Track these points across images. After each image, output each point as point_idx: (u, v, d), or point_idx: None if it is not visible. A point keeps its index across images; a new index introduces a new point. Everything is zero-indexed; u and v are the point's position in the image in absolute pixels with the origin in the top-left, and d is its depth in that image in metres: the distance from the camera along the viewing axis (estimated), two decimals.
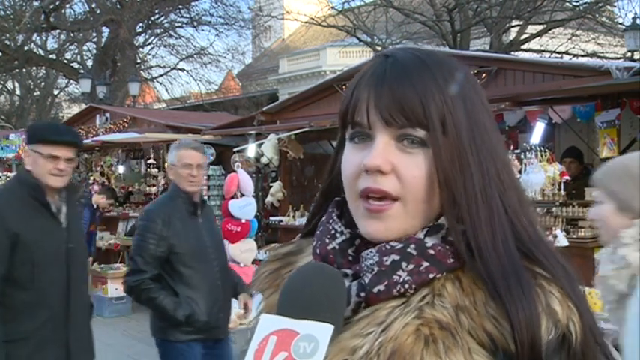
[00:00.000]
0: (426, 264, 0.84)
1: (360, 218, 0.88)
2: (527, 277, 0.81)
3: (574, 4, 16.15)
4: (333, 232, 0.92)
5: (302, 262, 0.97)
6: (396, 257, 0.84)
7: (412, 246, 0.85)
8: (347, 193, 0.90)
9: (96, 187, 11.28)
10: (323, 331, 0.74)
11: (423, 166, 0.84)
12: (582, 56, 16.02)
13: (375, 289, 0.84)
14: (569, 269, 0.86)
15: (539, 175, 5.84)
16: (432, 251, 0.84)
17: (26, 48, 20.88)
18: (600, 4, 15.64)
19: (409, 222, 0.86)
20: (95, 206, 9.27)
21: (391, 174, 0.85)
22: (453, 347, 0.78)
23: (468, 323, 0.80)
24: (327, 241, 0.92)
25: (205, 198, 9.11)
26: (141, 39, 22.55)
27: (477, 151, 0.85)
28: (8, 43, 20.15)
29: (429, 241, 0.85)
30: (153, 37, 22.89)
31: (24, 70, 24.65)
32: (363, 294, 0.84)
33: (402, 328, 0.80)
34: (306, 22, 19.68)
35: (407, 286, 0.83)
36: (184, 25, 22.29)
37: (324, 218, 0.95)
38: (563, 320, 0.79)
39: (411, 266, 0.84)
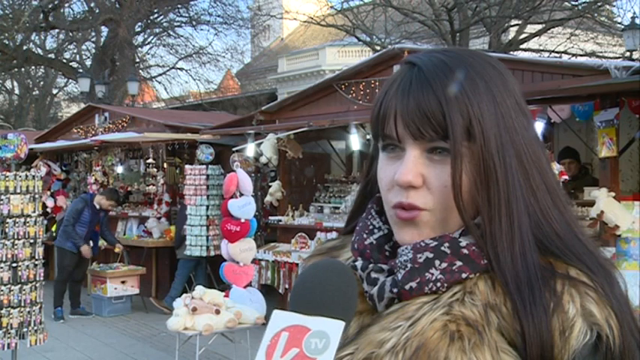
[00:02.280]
0: (459, 263, 0.84)
1: (394, 226, 0.90)
2: (545, 289, 0.80)
3: (573, 3, 16.14)
4: (371, 227, 0.94)
5: (344, 257, 1.00)
6: (430, 255, 0.85)
7: (446, 245, 0.85)
8: (383, 201, 0.92)
9: (94, 187, 11.28)
10: (334, 327, 0.75)
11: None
12: (581, 55, 16.01)
13: (407, 286, 0.85)
14: (611, 270, 0.84)
15: None
16: (465, 251, 0.84)
17: (25, 47, 20.83)
18: (599, 4, 15.64)
19: (443, 228, 0.87)
20: (98, 207, 9.27)
21: (422, 187, 0.86)
22: (479, 344, 0.78)
23: (498, 322, 0.80)
24: (365, 236, 0.94)
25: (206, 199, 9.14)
26: (140, 38, 22.54)
27: (505, 159, 0.84)
28: (7, 42, 20.11)
29: (464, 241, 0.85)
30: (152, 37, 22.87)
31: (23, 69, 24.62)
32: (395, 290, 0.86)
33: (429, 324, 0.80)
34: (305, 22, 19.65)
35: (439, 284, 0.84)
36: (183, 25, 22.29)
37: (363, 214, 0.97)
38: (602, 323, 0.78)
39: (444, 265, 0.84)
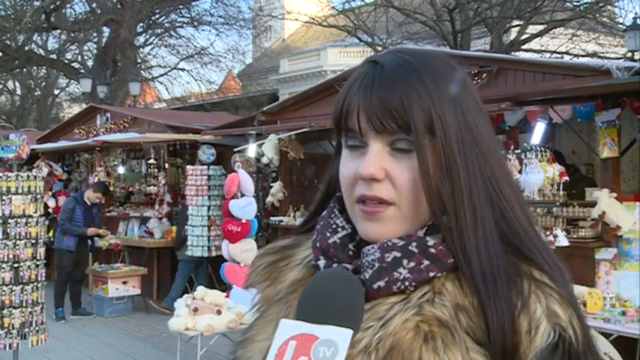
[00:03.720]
0: (426, 262, 0.84)
1: (357, 220, 0.90)
2: (512, 287, 0.81)
3: (575, 4, 16.14)
4: (334, 226, 0.93)
5: (300, 256, 0.98)
6: (398, 254, 0.85)
7: (414, 244, 0.86)
8: (344, 197, 0.92)
9: None
10: (342, 335, 0.74)
11: (416, 169, 0.86)
12: (583, 56, 16.01)
13: (375, 286, 0.85)
14: (565, 271, 0.87)
15: (538, 176, 5.83)
16: (433, 250, 0.85)
17: (27, 48, 20.87)
18: (601, 4, 15.62)
19: (407, 224, 0.88)
20: (89, 203, 9.27)
21: (385, 180, 0.87)
22: (451, 345, 0.78)
23: (466, 322, 0.80)
24: (328, 235, 0.93)
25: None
26: (141, 39, 22.56)
27: (465, 153, 0.86)
28: (9, 43, 20.14)
29: (431, 240, 0.86)
30: (153, 37, 22.89)
31: (24, 70, 24.63)
32: (362, 290, 0.85)
33: (401, 324, 0.81)
34: (306, 22, 19.66)
35: (407, 283, 0.84)
36: (185, 25, 22.30)
37: (324, 213, 0.97)
38: (566, 324, 0.80)
39: (411, 264, 0.84)
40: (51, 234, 10.31)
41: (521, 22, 15.95)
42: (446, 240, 0.85)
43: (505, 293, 0.80)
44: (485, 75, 7.08)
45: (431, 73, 0.88)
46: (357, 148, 0.89)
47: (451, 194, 0.85)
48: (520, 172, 5.92)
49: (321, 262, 0.91)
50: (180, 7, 21.19)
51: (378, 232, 0.88)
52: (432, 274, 0.84)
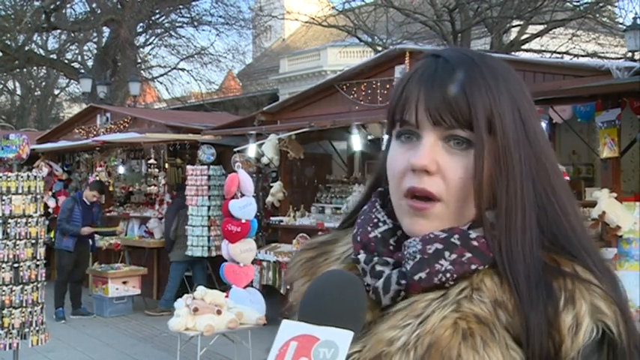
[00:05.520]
0: (468, 255, 0.84)
1: (403, 215, 0.90)
2: (554, 285, 0.80)
3: (575, 4, 16.13)
4: (375, 220, 0.94)
5: (338, 251, 0.99)
6: (440, 246, 0.85)
7: (456, 236, 0.85)
8: (392, 191, 0.92)
9: None
10: (343, 337, 0.75)
11: (469, 167, 0.85)
12: (583, 56, 16.00)
13: (417, 277, 0.85)
14: (614, 272, 0.87)
15: None
16: (475, 243, 0.85)
17: (27, 48, 20.86)
18: (601, 4, 15.62)
19: (452, 222, 0.87)
20: (88, 203, 9.26)
21: (436, 174, 0.86)
22: (490, 342, 0.78)
23: (505, 319, 0.80)
24: (369, 229, 0.93)
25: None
26: (141, 39, 22.55)
27: (523, 154, 0.86)
28: (9, 43, 20.14)
29: (473, 234, 0.86)
30: (153, 37, 22.88)
31: (24, 70, 24.62)
32: (403, 282, 0.85)
33: (439, 322, 0.80)
34: (306, 22, 19.66)
35: (448, 275, 0.84)
36: (185, 25, 22.30)
37: (365, 207, 0.97)
38: (609, 320, 0.79)
39: (453, 256, 0.84)
40: (52, 234, 10.31)
41: (521, 22, 15.94)
42: (486, 237, 0.85)
43: (544, 294, 0.79)
44: None
45: (492, 72, 0.88)
46: (410, 140, 0.89)
47: (505, 193, 0.84)
48: None
49: (362, 256, 0.91)
50: (180, 7, 21.18)
51: (425, 228, 0.87)
52: (473, 267, 0.84)
